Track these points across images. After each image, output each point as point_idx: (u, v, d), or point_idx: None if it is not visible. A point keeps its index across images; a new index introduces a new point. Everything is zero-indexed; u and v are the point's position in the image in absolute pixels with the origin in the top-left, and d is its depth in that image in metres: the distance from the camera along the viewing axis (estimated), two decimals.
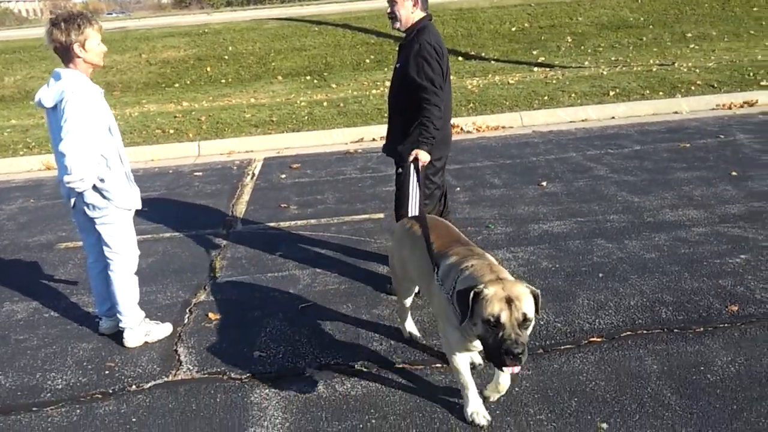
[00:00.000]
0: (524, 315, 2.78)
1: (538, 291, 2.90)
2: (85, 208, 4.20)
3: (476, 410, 3.37)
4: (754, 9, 17.02)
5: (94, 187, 4.11)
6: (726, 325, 4.15)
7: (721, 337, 4.01)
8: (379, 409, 3.59)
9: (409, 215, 4.57)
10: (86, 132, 3.94)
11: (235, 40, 16.97)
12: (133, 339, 4.42)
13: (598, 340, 4.08)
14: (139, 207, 4.39)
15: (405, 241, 3.87)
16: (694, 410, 3.38)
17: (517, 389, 3.64)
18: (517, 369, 2.83)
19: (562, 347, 4.02)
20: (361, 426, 3.46)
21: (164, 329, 4.55)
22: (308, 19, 18.58)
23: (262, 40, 16.85)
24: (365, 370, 3.96)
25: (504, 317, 2.77)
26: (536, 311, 2.85)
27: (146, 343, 4.45)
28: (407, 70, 4.41)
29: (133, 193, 4.32)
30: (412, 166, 4.49)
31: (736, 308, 4.31)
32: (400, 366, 3.95)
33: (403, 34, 4.60)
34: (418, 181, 4.50)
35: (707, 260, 5.02)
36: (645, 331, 4.12)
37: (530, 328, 2.85)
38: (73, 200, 4.25)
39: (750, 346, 3.90)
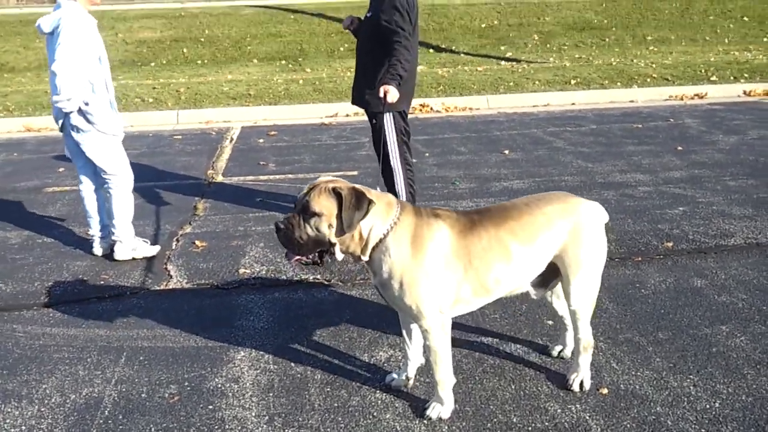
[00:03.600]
0: (306, 202, 2.72)
1: (346, 194, 2.71)
2: (71, 130, 4.57)
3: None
4: (710, 17, 17.92)
5: (80, 111, 4.48)
6: (661, 256, 4.69)
7: (656, 265, 4.55)
8: (353, 308, 4.03)
9: (396, 176, 4.93)
10: (77, 57, 4.35)
11: (211, 24, 17.24)
12: (122, 252, 4.77)
13: None
14: (122, 135, 4.75)
15: None
16: (628, 313, 3.90)
17: None
18: (289, 259, 2.83)
19: None
20: (337, 320, 3.90)
21: (151, 249, 4.91)
22: (284, 7, 18.95)
23: (238, 25, 17.16)
24: (341, 284, 4.40)
25: (299, 196, 2.79)
26: (340, 213, 2.70)
27: (134, 258, 4.80)
28: (379, 19, 4.67)
29: (116, 120, 4.70)
30: (386, 118, 4.85)
31: (671, 245, 4.87)
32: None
33: None
34: (394, 125, 4.88)
35: (649, 210, 5.58)
36: None
37: (320, 223, 2.73)
38: (60, 121, 4.62)
39: (680, 270, 4.45)
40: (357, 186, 2.79)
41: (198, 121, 9.93)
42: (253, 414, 3.07)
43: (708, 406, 3.03)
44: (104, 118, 4.57)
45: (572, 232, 2.98)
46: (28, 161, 7.86)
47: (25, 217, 5.87)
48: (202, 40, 16.32)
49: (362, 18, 5.00)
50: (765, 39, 15.95)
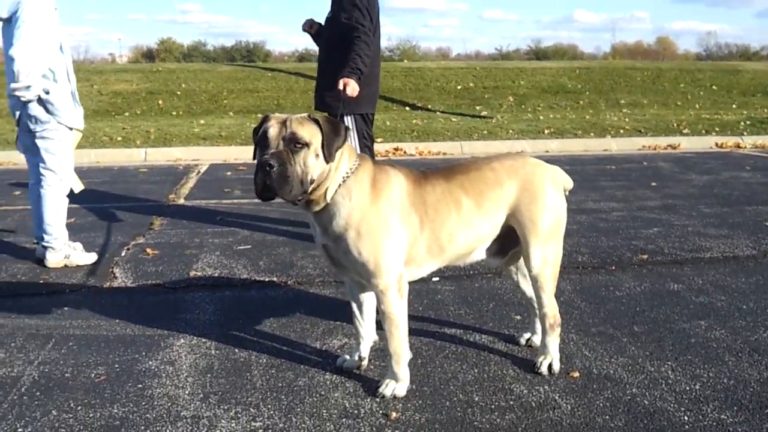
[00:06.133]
0: (293, 133, 2.43)
1: (323, 120, 2.53)
2: (28, 121, 4.31)
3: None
4: (681, 85, 18.40)
5: (39, 100, 4.25)
6: (635, 266, 4.49)
7: (630, 272, 4.34)
8: (309, 304, 3.74)
9: None
10: (37, 42, 4.14)
11: (188, 79, 17.31)
12: (53, 259, 4.43)
13: None
14: (81, 128, 4.54)
15: None
16: (601, 311, 3.66)
17: (439, 296, 3.87)
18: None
19: (485, 275, 4.28)
20: (290, 313, 3.60)
21: (87, 257, 4.56)
22: (262, 66, 19.18)
23: (215, 81, 17.24)
24: (298, 285, 4.12)
25: (271, 132, 2.46)
26: (327, 143, 2.48)
27: (66, 266, 4.45)
28: (339, 18, 4.58)
29: (77, 112, 4.48)
30: (347, 120, 4.66)
31: (646, 257, 4.67)
32: (331, 279, 4.14)
33: None
34: (356, 128, 4.72)
35: (623, 230, 5.41)
36: (563, 269, 4.39)
37: (308, 156, 2.45)
38: (17, 113, 4.37)
39: (655, 276, 4.24)
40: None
41: (166, 159, 9.73)
42: (187, 392, 2.74)
43: (688, 388, 2.76)
44: (66, 109, 4.35)
45: (523, 189, 2.83)
46: None
47: None
48: (178, 93, 16.32)
49: (323, 23, 4.89)
50: (734, 106, 16.33)
